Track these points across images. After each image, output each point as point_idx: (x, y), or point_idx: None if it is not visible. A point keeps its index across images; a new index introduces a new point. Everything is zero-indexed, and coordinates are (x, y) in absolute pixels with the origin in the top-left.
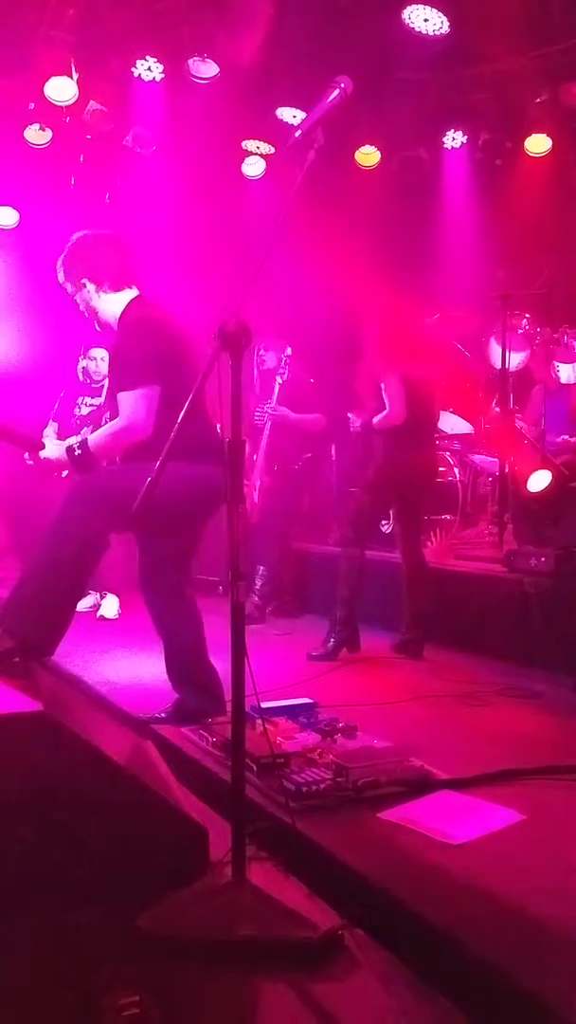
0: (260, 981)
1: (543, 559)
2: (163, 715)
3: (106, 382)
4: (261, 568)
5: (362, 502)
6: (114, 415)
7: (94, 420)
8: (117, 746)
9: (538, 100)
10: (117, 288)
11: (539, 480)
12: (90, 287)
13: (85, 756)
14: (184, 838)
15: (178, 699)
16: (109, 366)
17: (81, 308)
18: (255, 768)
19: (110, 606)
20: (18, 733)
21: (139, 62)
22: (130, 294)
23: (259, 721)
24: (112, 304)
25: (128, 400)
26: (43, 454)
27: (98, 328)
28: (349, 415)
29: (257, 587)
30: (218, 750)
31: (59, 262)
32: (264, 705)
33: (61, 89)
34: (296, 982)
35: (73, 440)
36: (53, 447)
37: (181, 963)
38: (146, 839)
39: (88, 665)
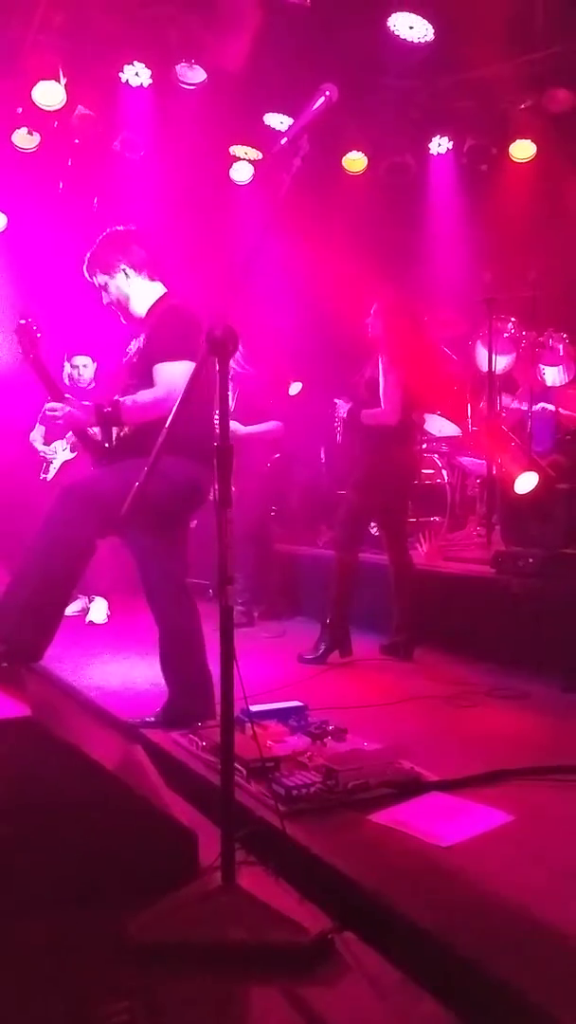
0: (251, 986)
1: (530, 560)
2: (152, 719)
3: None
4: (238, 575)
5: (353, 504)
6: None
7: None
8: (106, 751)
9: (522, 106)
10: (152, 278)
11: (526, 482)
12: (129, 272)
13: (73, 761)
14: (173, 843)
15: (168, 698)
16: (140, 352)
17: (110, 297)
18: (245, 772)
19: (99, 610)
20: (5, 738)
21: (127, 67)
22: (161, 288)
23: (249, 724)
24: (147, 292)
25: (167, 370)
26: (62, 408)
27: (123, 320)
28: (337, 401)
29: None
30: (208, 754)
31: (92, 252)
32: (254, 708)
33: (49, 94)
34: (287, 986)
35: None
36: (76, 406)
37: (171, 968)
38: (135, 844)
39: (77, 670)
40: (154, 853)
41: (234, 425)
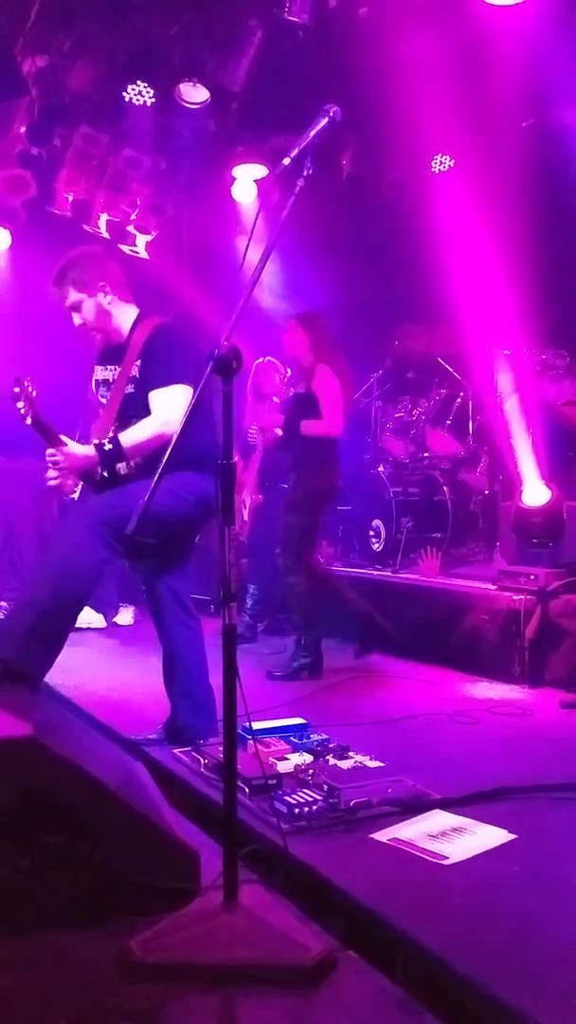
0: (253, 1005)
1: (533, 577)
2: (154, 736)
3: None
4: (252, 587)
5: (294, 526)
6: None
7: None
8: (108, 769)
9: (524, 124)
10: (128, 300)
11: (536, 494)
12: (109, 292)
13: (75, 780)
14: (175, 862)
15: (171, 715)
16: (135, 382)
17: (84, 317)
18: (247, 790)
19: (126, 614)
20: (7, 757)
21: (131, 86)
22: (135, 309)
23: (251, 742)
24: (126, 313)
25: (162, 397)
26: (69, 449)
27: (98, 342)
28: (251, 429)
29: (248, 606)
30: (210, 772)
31: (66, 269)
32: (256, 725)
33: None
34: (289, 1006)
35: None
36: (75, 447)
37: (173, 987)
38: (137, 863)
39: (78, 685)
40: (156, 871)
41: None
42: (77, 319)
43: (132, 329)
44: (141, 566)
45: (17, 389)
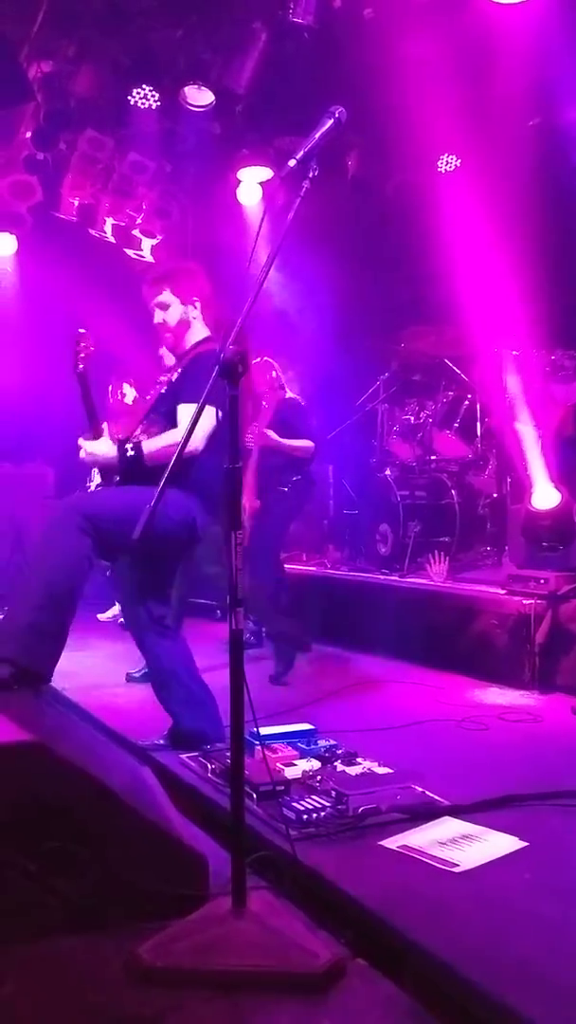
0: (261, 1012)
1: (543, 581)
2: (161, 741)
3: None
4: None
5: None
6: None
7: None
8: (115, 774)
9: (531, 123)
10: (207, 323)
11: (545, 497)
12: (198, 307)
13: (82, 785)
14: (184, 867)
15: (174, 724)
16: (170, 385)
17: (168, 319)
18: (255, 796)
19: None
20: (14, 763)
21: (135, 90)
22: (208, 332)
23: (258, 748)
24: (200, 333)
25: (188, 412)
26: (92, 446)
27: (167, 344)
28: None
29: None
30: (217, 778)
31: (171, 272)
32: (263, 731)
33: None
34: (298, 1013)
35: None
36: (104, 444)
37: (182, 993)
38: (145, 868)
39: (85, 691)
40: (165, 877)
41: (271, 433)
42: (158, 316)
43: (194, 346)
44: (122, 578)
45: (82, 331)
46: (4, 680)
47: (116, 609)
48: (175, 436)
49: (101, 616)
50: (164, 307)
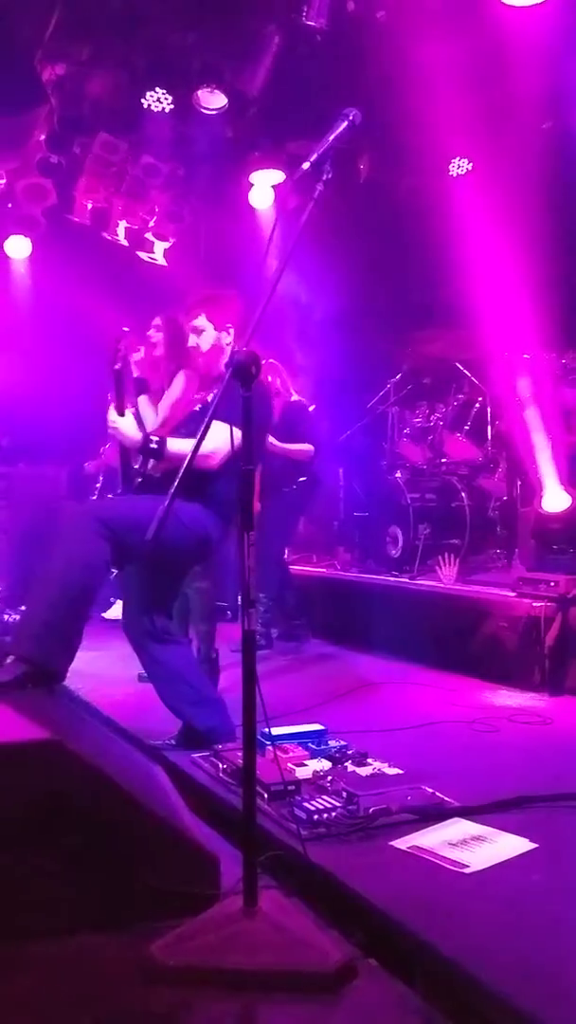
0: (273, 1011)
1: (553, 584)
2: (173, 741)
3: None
4: (261, 595)
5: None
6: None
7: None
8: (128, 773)
9: (543, 127)
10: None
11: (556, 500)
12: (231, 334)
13: (95, 783)
14: (195, 866)
15: (185, 725)
16: (206, 406)
17: (201, 344)
18: (265, 795)
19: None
20: (28, 760)
21: (149, 93)
22: None
23: (270, 748)
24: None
25: (221, 430)
26: (120, 422)
27: (199, 367)
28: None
29: (260, 612)
30: (228, 777)
31: (208, 299)
32: (274, 731)
33: None
34: (309, 1013)
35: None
36: (132, 423)
37: (194, 992)
38: (157, 867)
39: (97, 690)
40: (176, 876)
41: (270, 440)
42: (192, 340)
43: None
44: (128, 586)
45: (126, 329)
46: (19, 678)
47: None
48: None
49: (106, 615)
50: (198, 332)
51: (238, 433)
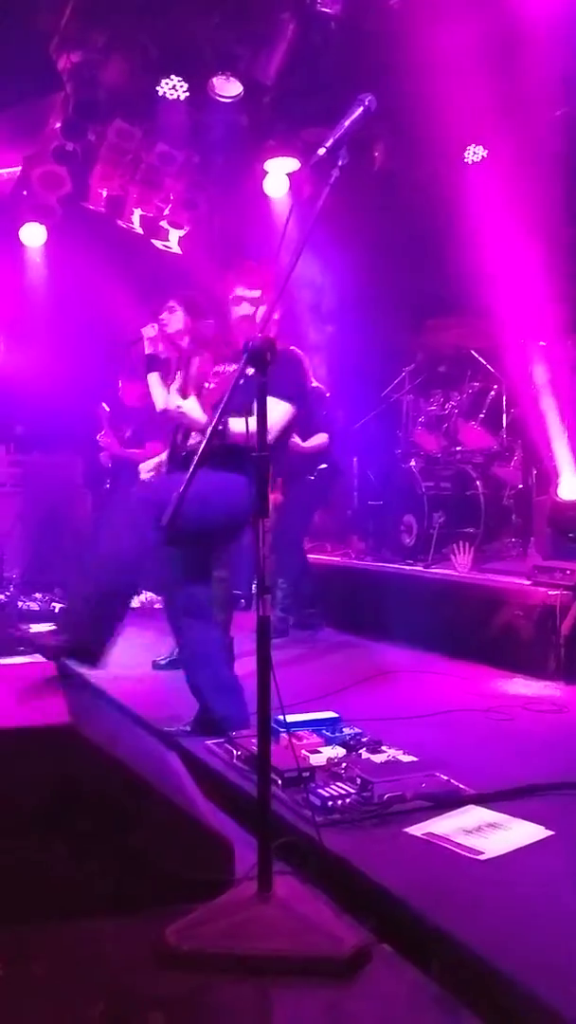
0: (287, 996)
1: (569, 572)
2: (187, 728)
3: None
4: (280, 581)
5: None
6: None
7: None
8: (143, 759)
9: (558, 113)
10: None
11: (572, 488)
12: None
13: (112, 769)
14: (210, 851)
15: (203, 708)
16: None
17: (245, 315)
18: (280, 782)
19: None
20: (46, 745)
21: (164, 81)
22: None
23: (284, 735)
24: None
25: (277, 407)
26: (186, 405)
27: (240, 334)
28: None
29: (278, 598)
30: (243, 763)
31: (264, 276)
32: (288, 719)
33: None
34: (323, 998)
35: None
36: (197, 405)
37: (208, 977)
38: (171, 852)
39: (112, 678)
40: (191, 861)
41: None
42: (240, 311)
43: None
44: (170, 563)
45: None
46: (60, 647)
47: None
48: (245, 424)
49: None
50: (239, 303)
51: (285, 407)
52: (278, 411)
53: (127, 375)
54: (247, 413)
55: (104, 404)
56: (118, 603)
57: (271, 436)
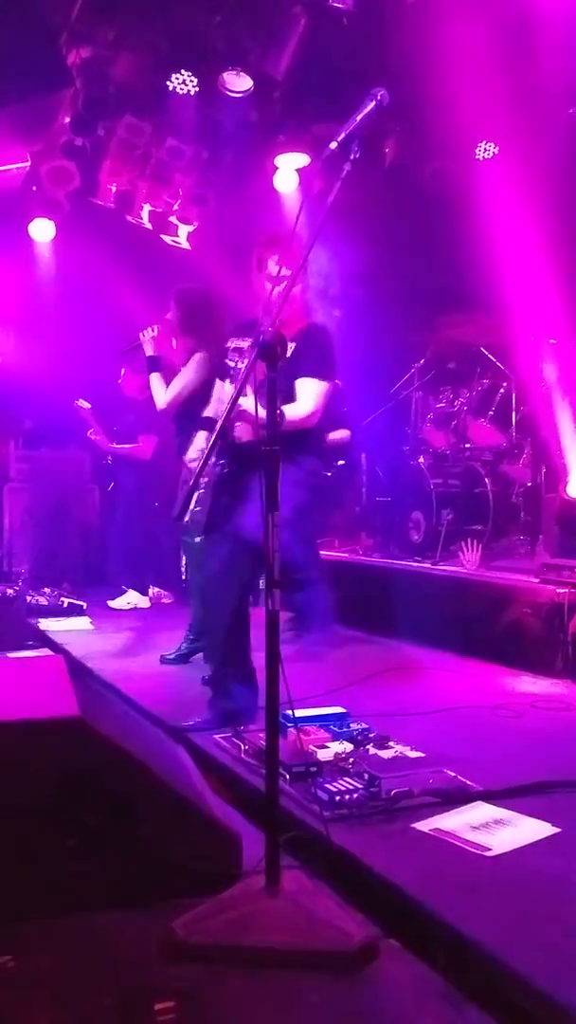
0: (294, 990)
1: None
2: (194, 722)
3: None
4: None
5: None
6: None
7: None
8: (151, 752)
9: (570, 111)
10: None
11: None
12: (308, 291)
13: (121, 761)
14: (218, 845)
15: (212, 700)
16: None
17: (276, 289)
18: (287, 776)
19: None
20: (55, 737)
21: (174, 76)
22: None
23: (292, 729)
24: (303, 308)
25: (313, 387)
26: (246, 402)
27: (263, 316)
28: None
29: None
30: (251, 758)
31: (281, 242)
32: (296, 713)
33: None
34: (331, 992)
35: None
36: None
37: (216, 970)
38: (180, 845)
39: (120, 672)
40: (199, 854)
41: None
42: (271, 286)
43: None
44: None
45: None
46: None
47: (131, 597)
48: (302, 408)
49: (112, 603)
50: (274, 280)
51: (325, 386)
52: (315, 391)
53: (131, 366)
54: (287, 400)
55: (81, 401)
56: (245, 649)
57: (314, 418)
